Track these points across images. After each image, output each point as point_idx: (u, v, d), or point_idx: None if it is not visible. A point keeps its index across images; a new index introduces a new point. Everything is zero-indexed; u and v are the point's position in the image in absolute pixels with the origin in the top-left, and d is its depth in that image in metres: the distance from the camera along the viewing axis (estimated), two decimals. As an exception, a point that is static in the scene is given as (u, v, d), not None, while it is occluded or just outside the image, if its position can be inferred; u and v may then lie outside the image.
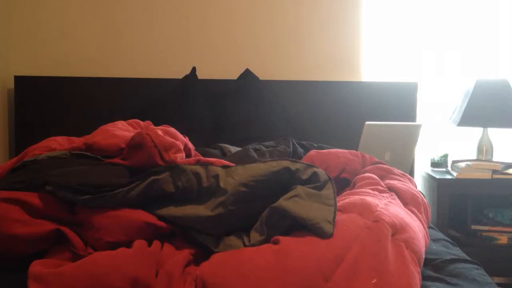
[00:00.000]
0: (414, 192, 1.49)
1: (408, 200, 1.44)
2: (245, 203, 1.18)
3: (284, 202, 1.13)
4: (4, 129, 2.70)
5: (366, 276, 0.99)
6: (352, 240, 1.06)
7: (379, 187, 1.45)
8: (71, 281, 1.00)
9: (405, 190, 1.48)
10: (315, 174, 1.20)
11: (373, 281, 0.97)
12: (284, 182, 1.20)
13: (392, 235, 1.13)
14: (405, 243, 1.12)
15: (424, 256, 1.21)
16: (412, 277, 1.03)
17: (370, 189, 1.42)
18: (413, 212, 1.38)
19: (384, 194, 1.39)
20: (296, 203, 1.12)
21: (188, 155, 1.51)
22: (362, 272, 0.99)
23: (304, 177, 1.20)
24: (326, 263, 0.99)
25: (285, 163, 1.21)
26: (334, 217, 1.10)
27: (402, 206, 1.37)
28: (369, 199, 1.27)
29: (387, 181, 1.55)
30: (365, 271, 1.00)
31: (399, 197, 1.44)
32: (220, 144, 2.10)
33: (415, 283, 1.02)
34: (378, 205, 1.23)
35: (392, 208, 1.25)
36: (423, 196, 1.53)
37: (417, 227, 1.25)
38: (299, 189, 1.16)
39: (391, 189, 1.47)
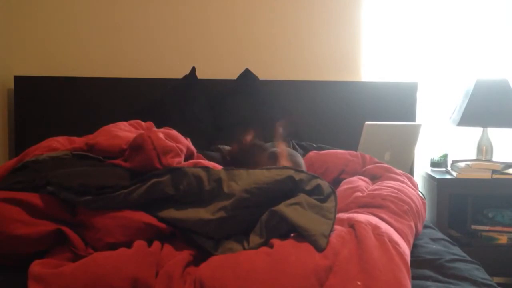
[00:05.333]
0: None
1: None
2: (247, 209, 1.18)
3: (284, 207, 1.13)
4: (4, 129, 2.70)
5: (356, 279, 1.00)
6: (341, 245, 1.08)
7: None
8: (71, 281, 1.00)
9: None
10: (318, 186, 1.21)
11: (359, 283, 0.98)
12: (286, 191, 1.20)
13: (372, 231, 1.14)
14: (387, 237, 1.13)
15: (406, 246, 1.22)
16: (399, 271, 1.04)
17: None
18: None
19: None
20: (296, 211, 1.12)
21: (190, 157, 1.51)
22: (352, 275, 1.01)
23: (308, 188, 1.20)
24: (322, 267, 1.01)
25: (290, 172, 1.21)
26: (331, 231, 1.12)
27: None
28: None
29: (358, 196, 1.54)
30: (355, 273, 1.01)
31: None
32: (219, 146, 2.09)
33: (402, 276, 1.03)
34: (345, 214, 1.28)
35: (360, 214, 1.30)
36: (412, 199, 1.53)
37: (387, 225, 1.28)
38: (302, 197, 1.17)
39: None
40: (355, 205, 1.43)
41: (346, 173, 1.83)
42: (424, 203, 1.63)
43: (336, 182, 1.76)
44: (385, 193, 1.49)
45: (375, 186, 1.61)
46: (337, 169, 1.84)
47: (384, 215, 1.33)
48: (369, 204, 1.42)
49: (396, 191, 1.52)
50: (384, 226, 1.21)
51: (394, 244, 1.13)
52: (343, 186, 1.65)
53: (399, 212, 1.39)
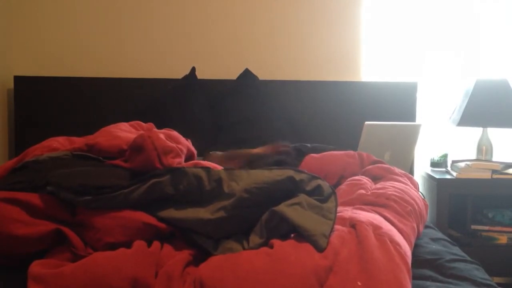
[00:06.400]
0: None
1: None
2: (247, 208, 1.18)
3: (285, 208, 1.13)
4: (4, 129, 2.70)
5: (356, 279, 1.00)
6: (341, 245, 1.08)
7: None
8: (71, 281, 1.00)
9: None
10: (319, 187, 1.21)
11: (359, 284, 0.98)
12: (287, 191, 1.20)
13: (373, 231, 1.14)
14: (388, 237, 1.13)
15: (408, 247, 1.22)
16: (399, 271, 1.04)
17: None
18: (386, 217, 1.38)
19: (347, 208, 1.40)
20: (296, 211, 1.12)
21: (191, 158, 1.51)
22: (352, 275, 1.01)
23: (308, 188, 1.20)
24: (322, 268, 1.01)
25: (290, 173, 1.21)
26: (332, 232, 1.12)
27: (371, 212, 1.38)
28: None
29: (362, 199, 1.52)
30: (355, 273, 1.01)
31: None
32: (211, 152, 2.06)
33: (403, 276, 1.03)
34: (348, 212, 1.28)
35: (362, 212, 1.29)
36: (415, 200, 1.53)
37: (389, 224, 1.27)
38: (302, 198, 1.17)
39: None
40: (359, 202, 1.43)
41: (345, 178, 1.81)
42: (426, 205, 1.63)
43: (335, 186, 1.74)
44: (389, 192, 1.48)
45: (378, 185, 1.61)
46: (337, 175, 1.82)
47: (388, 215, 1.33)
48: (373, 203, 1.41)
49: (400, 191, 1.52)
50: (386, 226, 1.21)
51: (395, 244, 1.12)
52: (347, 182, 1.65)
53: (403, 212, 1.39)
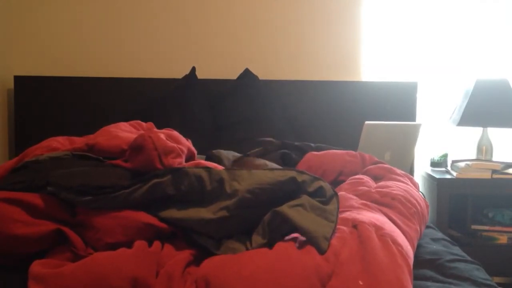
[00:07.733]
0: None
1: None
2: (248, 209, 1.18)
3: (287, 209, 1.13)
4: (4, 129, 2.70)
5: (358, 278, 1.00)
6: (342, 246, 1.08)
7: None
8: (71, 281, 1.00)
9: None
10: (321, 188, 1.21)
11: (361, 283, 0.98)
12: (289, 192, 1.20)
13: (376, 232, 1.14)
14: (390, 238, 1.13)
15: (410, 249, 1.22)
16: (401, 272, 1.04)
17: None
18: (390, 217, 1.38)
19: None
20: (298, 212, 1.12)
21: (191, 158, 1.51)
22: (353, 275, 1.01)
23: (310, 189, 1.20)
24: (324, 269, 1.01)
25: (292, 173, 1.21)
26: (333, 234, 1.12)
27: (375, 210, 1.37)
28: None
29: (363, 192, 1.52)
30: (356, 274, 1.01)
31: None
32: (213, 152, 2.05)
33: (404, 277, 1.03)
34: (351, 213, 1.27)
35: (365, 212, 1.29)
36: (416, 200, 1.52)
37: (393, 226, 1.27)
38: (305, 199, 1.17)
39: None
40: (365, 198, 1.42)
41: (344, 174, 1.81)
42: (427, 205, 1.63)
43: (333, 184, 1.74)
44: (395, 192, 1.48)
45: (381, 183, 1.61)
46: (335, 172, 1.82)
47: (392, 216, 1.33)
48: (379, 202, 1.41)
49: (404, 191, 1.52)
50: (388, 227, 1.20)
51: (397, 245, 1.12)
52: (348, 181, 1.64)
53: (407, 214, 1.38)
